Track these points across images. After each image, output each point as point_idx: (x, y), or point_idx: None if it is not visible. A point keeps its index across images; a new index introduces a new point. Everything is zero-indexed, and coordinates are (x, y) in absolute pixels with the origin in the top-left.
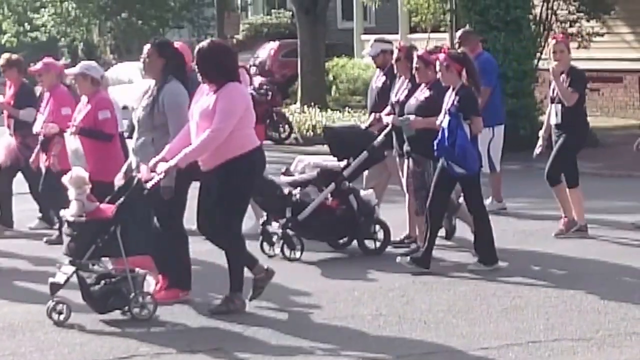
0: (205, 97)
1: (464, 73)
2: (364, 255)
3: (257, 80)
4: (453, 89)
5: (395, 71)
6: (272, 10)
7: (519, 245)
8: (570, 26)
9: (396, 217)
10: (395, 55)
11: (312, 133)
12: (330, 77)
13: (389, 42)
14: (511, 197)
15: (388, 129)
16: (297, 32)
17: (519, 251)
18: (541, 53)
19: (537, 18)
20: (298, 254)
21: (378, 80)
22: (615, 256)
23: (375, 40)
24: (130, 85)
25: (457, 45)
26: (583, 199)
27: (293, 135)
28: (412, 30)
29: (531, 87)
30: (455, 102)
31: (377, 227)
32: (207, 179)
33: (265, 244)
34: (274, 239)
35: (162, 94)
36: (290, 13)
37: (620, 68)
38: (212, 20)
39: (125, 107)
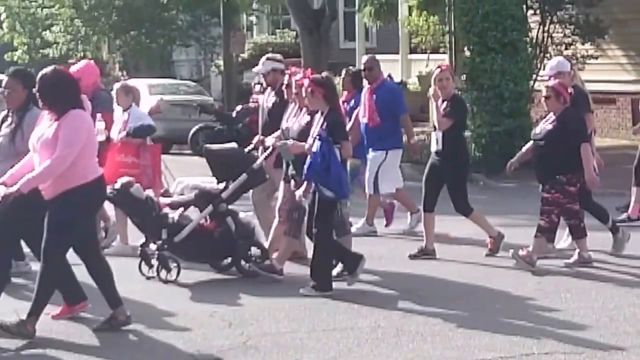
0: (46, 124)
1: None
2: (245, 277)
3: (261, 98)
4: (321, 114)
5: (285, 95)
6: (277, 30)
7: (511, 260)
8: (566, 49)
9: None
10: (286, 81)
11: None
12: None
13: (280, 61)
14: (507, 214)
15: (268, 151)
16: (301, 52)
17: (512, 266)
18: (537, 74)
19: (534, 41)
20: (174, 276)
21: (269, 100)
22: (606, 272)
23: (266, 58)
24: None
25: (454, 68)
26: (434, 225)
27: None
28: (412, 51)
29: (527, 108)
30: (324, 127)
31: (255, 249)
32: (49, 206)
33: (143, 265)
34: (153, 260)
35: (25, 121)
36: (295, 33)
37: (613, 90)
38: (219, 39)
39: None
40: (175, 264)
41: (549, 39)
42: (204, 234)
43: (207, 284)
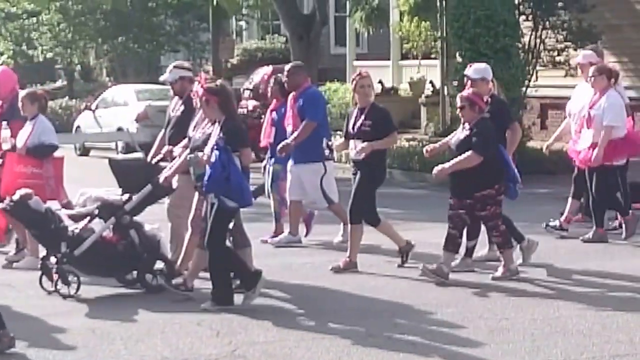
0: None
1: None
2: (149, 291)
3: (251, 103)
4: (218, 123)
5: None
6: (267, 36)
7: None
8: (558, 55)
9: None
10: (194, 90)
11: None
12: None
13: (189, 69)
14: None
15: (178, 162)
16: (291, 57)
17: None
18: (529, 81)
19: (526, 46)
20: (73, 291)
21: (176, 108)
22: (599, 279)
23: (174, 66)
24: (125, 107)
25: (446, 74)
26: (360, 237)
27: None
28: (404, 56)
29: (519, 114)
30: (221, 136)
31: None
32: None
33: (44, 278)
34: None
35: None
36: (284, 38)
37: None
38: (208, 45)
39: (120, 129)
40: (75, 278)
41: (542, 44)
42: (107, 247)
43: (194, 293)
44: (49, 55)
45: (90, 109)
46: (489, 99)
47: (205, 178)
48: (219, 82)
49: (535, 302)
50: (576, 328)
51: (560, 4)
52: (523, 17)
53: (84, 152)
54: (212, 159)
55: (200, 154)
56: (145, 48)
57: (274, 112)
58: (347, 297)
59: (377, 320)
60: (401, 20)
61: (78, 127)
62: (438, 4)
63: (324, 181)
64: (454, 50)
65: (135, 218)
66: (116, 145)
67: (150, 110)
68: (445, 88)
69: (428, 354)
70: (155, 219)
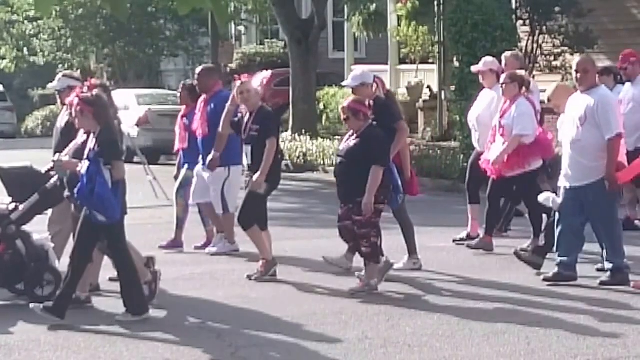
0: None
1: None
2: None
3: None
4: (93, 134)
5: None
6: (265, 40)
7: (499, 272)
8: (555, 59)
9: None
10: (69, 99)
11: (302, 161)
12: (321, 106)
13: (78, 78)
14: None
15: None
16: (290, 62)
17: (499, 277)
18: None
19: (523, 51)
20: None
21: (62, 118)
22: (592, 282)
23: (62, 75)
24: (126, 111)
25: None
26: (266, 239)
27: (284, 163)
28: (402, 61)
29: None
30: (95, 148)
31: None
32: None
33: None
34: None
35: None
36: (283, 43)
37: None
38: (207, 49)
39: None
40: None
41: (539, 49)
42: None
43: (193, 295)
44: (50, 58)
45: None
46: (372, 103)
47: (76, 190)
48: (95, 92)
49: (529, 305)
50: (570, 331)
51: (557, 8)
52: (520, 22)
53: None
54: (82, 171)
55: (64, 157)
56: (145, 52)
57: (185, 118)
58: (343, 300)
59: (373, 323)
60: (399, 25)
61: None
62: (436, 9)
63: (226, 186)
64: (451, 55)
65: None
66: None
67: (151, 114)
68: (443, 93)
69: (424, 356)
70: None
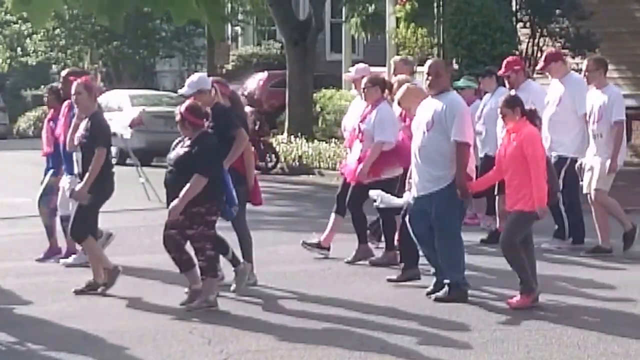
0: None
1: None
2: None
3: (246, 109)
4: None
5: None
6: (262, 41)
7: (497, 276)
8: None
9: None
10: None
11: (298, 163)
12: (318, 108)
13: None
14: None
15: None
16: (286, 63)
17: (498, 283)
18: None
19: (523, 54)
20: None
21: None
22: (598, 290)
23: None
24: (119, 112)
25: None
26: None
27: (279, 165)
28: None
29: None
30: None
31: None
32: None
33: None
34: None
35: None
36: (280, 44)
37: None
38: (203, 50)
39: (114, 134)
40: None
41: (539, 52)
42: None
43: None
44: (44, 57)
45: None
46: (210, 110)
47: None
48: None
49: (529, 313)
50: (571, 340)
51: (558, 11)
52: (521, 24)
53: None
54: None
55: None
56: (140, 53)
57: (52, 122)
58: (340, 305)
59: (369, 329)
60: (397, 26)
61: None
62: (435, 10)
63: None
64: (450, 57)
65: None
66: (109, 150)
67: (145, 115)
68: None
69: None
70: None
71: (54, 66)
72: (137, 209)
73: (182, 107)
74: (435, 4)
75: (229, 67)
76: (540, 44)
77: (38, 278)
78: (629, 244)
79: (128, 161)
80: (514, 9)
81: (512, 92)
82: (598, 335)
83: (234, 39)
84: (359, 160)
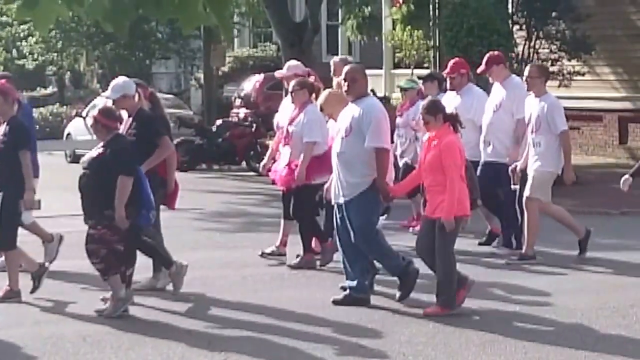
0: None
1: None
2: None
3: (242, 112)
4: None
5: None
6: (258, 43)
7: (496, 278)
8: (552, 65)
9: None
10: None
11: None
12: None
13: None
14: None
15: None
16: (283, 66)
17: (496, 285)
18: None
19: (519, 56)
20: None
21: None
22: (592, 292)
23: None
24: None
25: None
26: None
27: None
28: (396, 65)
29: None
30: None
31: None
32: None
33: None
34: None
35: None
36: (276, 46)
37: (600, 107)
38: (199, 52)
39: None
40: None
41: (535, 54)
42: None
43: (185, 301)
44: (40, 60)
45: (81, 116)
46: (135, 115)
47: None
48: None
49: (526, 315)
50: (568, 341)
51: (554, 13)
52: (517, 26)
53: (75, 159)
54: None
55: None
56: (136, 55)
57: None
58: (337, 309)
59: (367, 332)
60: (394, 29)
61: (69, 134)
62: (431, 12)
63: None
64: (446, 59)
65: None
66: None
67: None
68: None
69: None
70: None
71: (48, 68)
72: None
73: (95, 111)
74: (431, 6)
75: (225, 69)
76: (536, 47)
77: None
78: (583, 250)
79: None
80: (510, 11)
81: (438, 97)
82: (595, 336)
83: (230, 41)
84: (288, 165)
